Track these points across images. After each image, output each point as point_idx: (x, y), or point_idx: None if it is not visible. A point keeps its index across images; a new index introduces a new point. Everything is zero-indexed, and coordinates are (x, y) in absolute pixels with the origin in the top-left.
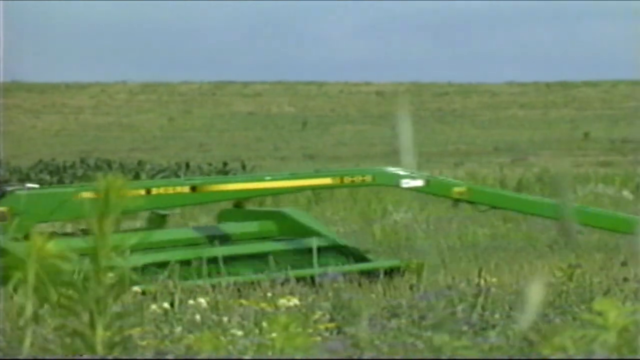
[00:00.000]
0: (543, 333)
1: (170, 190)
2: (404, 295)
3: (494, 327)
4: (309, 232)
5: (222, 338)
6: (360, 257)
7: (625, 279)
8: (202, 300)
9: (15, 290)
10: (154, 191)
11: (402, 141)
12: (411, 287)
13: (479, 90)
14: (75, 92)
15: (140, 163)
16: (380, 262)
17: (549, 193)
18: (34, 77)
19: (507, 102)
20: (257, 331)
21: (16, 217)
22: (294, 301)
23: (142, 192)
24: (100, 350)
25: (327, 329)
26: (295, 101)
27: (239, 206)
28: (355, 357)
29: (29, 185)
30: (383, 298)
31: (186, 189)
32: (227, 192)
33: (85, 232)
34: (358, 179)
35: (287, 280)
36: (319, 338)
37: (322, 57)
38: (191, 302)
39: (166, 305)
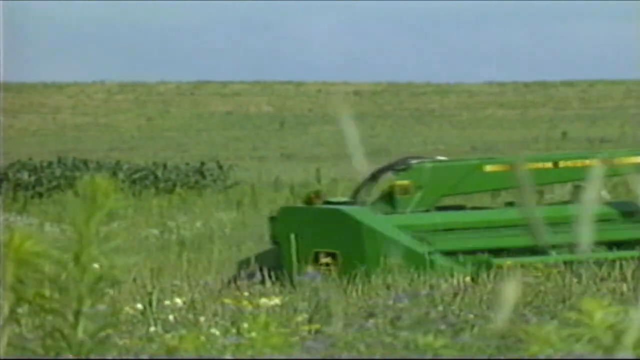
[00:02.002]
0: (521, 332)
1: (579, 163)
2: (381, 295)
3: (472, 327)
4: None
5: (203, 338)
6: None
7: (602, 279)
8: (179, 300)
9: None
10: (562, 164)
11: (350, 143)
12: (388, 287)
13: (457, 90)
14: (53, 91)
15: (118, 163)
16: None
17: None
18: (12, 77)
19: (485, 102)
20: (234, 330)
21: (419, 190)
22: (275, 301)
23: (549, 165)
24: (81, 350)
25: (308, 331)
26: (273, 101)
27: None
28: (333, 357)
29: (438, 157)
30: (360, 298)
31: (594, 162)
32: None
33: (510, 205)
34: None
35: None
36: (297, 338)
37: (299, 57)
38: (167, 302)
39: (139, 306)
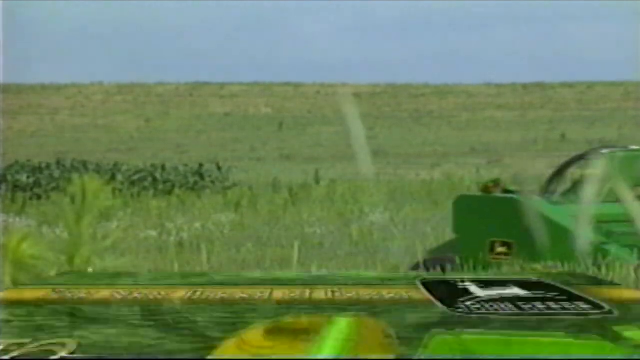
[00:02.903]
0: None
1: None
2: None
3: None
4: None
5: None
6: None
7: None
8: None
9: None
10: None
11: (355, 142)
12: None
13: (456, 92)
14: (52, 93)
15: (116, 164)
16: None
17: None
18: (10, 78)
19: (484, 104)
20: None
21: (608, 180)
22: None
23: None
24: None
25: None
26: (271, 102)
27: None
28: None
29: (632, 147)
30: None
31: None
32: None
33: None
34: None
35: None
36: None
37: (298, 58)
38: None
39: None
